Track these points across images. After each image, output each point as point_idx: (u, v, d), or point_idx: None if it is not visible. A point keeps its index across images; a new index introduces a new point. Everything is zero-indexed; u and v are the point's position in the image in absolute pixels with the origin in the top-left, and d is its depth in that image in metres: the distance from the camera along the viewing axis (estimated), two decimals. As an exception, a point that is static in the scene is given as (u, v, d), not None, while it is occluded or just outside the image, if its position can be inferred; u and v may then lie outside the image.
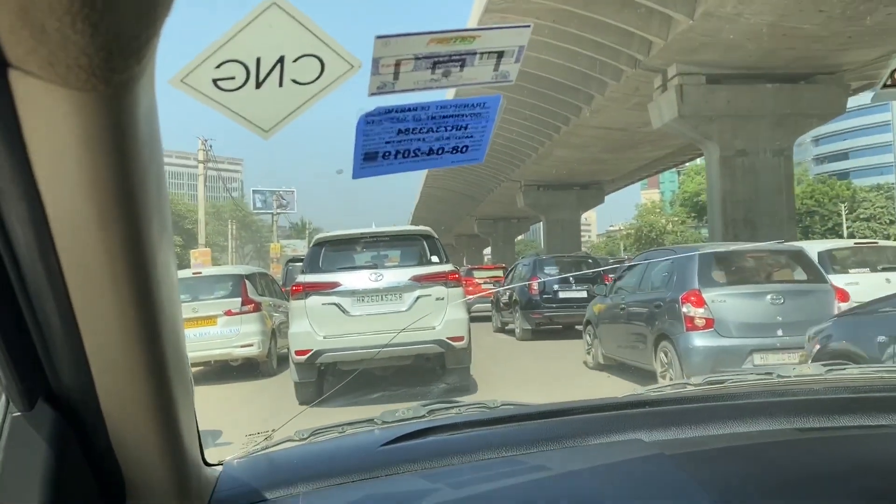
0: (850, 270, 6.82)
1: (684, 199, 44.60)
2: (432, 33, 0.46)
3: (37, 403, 0.47)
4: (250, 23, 0.42)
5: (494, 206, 33.28)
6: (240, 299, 7.11)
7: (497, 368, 6.80)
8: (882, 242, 8.80)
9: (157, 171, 0.38)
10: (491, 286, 13.21)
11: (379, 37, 0.45)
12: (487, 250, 45.91)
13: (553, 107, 17.21)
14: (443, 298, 5.02)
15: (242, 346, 6.97)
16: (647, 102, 14.25)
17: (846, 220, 37.22)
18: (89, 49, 0.27)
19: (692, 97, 13.00)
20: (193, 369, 5.14)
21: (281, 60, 0.43)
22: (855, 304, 4.55)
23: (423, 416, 0.88)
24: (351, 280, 5.05)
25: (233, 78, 0.43)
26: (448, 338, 4.96)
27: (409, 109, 0.52)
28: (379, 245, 5.55)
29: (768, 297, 4.78)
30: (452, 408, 0.93)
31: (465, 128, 0.55)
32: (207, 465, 0.70)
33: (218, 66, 0.43)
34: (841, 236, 32.01)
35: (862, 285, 6.11)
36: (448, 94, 0.65)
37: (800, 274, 5.13)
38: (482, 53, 0.49)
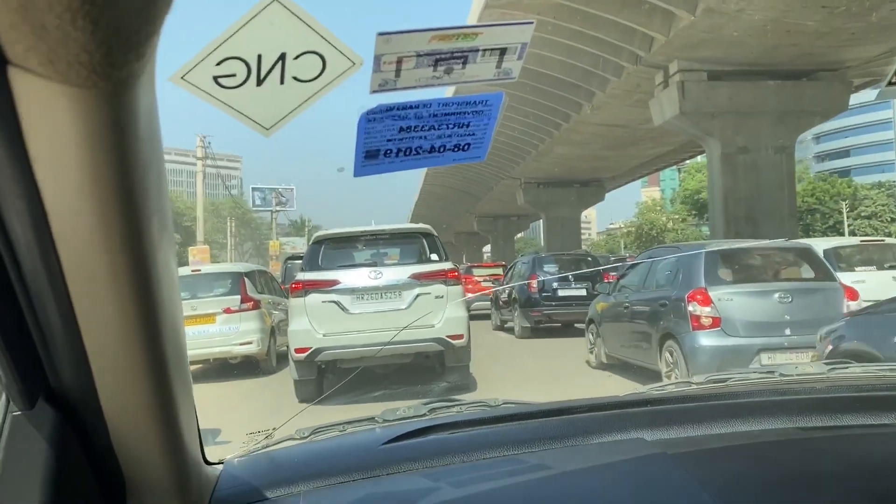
0: (856, 268, 6.77)
1: (685, 197, 44.60)
2: (434, 30, 0.46)
3: (37, 403, 0.47)
4: (251, 19, 0.42)
5: (494, 203, 33.28)
6: (239, 297, 7.11)
7: (497, 367, 6.81)
8: (888, 240, 8.72)
9: (157, 168, 0.38)
10: (490, 284, 13.22)
11: (381, 34, 0.44)
12: (487, 248, 45.92)
13: (554, 103, 17.19)
14: (442, 296, 5.02)
15: (241, 344, 6.98)
16: (648, 99, 14.23)
17: (847, 217, 37.19)
18: (90, 46, 0.27)
19: (694, 94, 12.97)
20: (192, 367, 5.15)
21: (282, 57, 0.43)
22: (865, 303, 4.50)
23: (424, 415, 0.88)
24: (350, 278, 5.05)
25: (234, 75, 0.43)
26: (448, 336, 4.97)
27: (411, 107, 0.52)
28: (378, 243, 5.55)
29: (776, 295, 4.70)
30: (453, 406, 0.93)
31: (467, 125, 0.55)
32: (208, 463, 0.70)
33: (219, 64, 0.43)
34: (842, 234, 32.00)
35: (869, 283, 6.09)
36: (447, 92, 0.65)
37: (808, 272, 5.06)
38: (484, 50, 0.48)
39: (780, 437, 0.75)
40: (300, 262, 7.01)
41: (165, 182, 0.41)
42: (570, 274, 9.51)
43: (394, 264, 5.36)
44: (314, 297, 4.99)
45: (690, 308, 4.72)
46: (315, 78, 0.45)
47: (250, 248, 51.30)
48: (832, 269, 5.28)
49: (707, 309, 4.68)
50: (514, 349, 8.86)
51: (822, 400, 0.84)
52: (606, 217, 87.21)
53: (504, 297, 10.53)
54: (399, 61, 0.46)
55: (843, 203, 37.68)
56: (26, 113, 0.31)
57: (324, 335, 4.94)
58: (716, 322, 4.65)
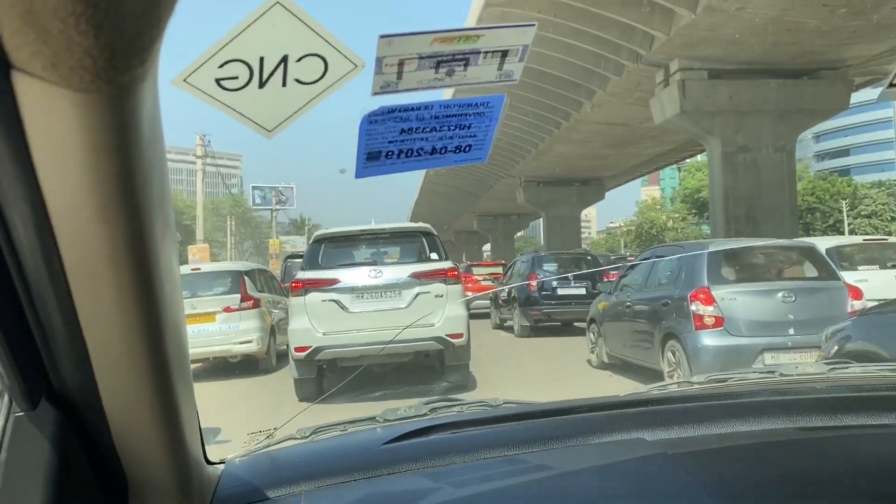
0: (859, 267, 6.72)
1: (685, 196, 44.58)
2: (436, 33, 0.46)
3: (39, 403, 0.47)
4: (254, 22, 0.42)
5: (494, 202, 33.26)
6: (239, 296, 7.11)
7: (497, 366, 6.80)
8: (891, 239, 8.66)
9: (159, 170, 0.38)
10: (490, 283, 13.22)
11: (382, 36, 0.44)
12: (487, 247, 45.91)
13: (554, 102, 17.17)
14: (442, 295, 5.02)
15: (241, 343, 6.97)
16: (648, 98, 14.21)
17: (847, 216, 37.19)
18: (93, 51, 0.27)
19: (694, 92, 12.96)
20: (192, 366, 5.11)
21: (284, 60, 0.43)
22: (870, 303, 4.46)
23: (425, 415, 0.89)
24: (350, 277, 5.05)
25: (236, 77, 0.43)
26: (447, 335, 4.97)
27: (413, 109, 0.52)
28: (378, 242, 5.55)
29: (780, 294, 4.65)
30: (454, 406, 0.93)
31: (469, 127, 0.55)
32: (210, 463, 0.71)
33: (221, 66, 0.43)
34: (842, 233, 31.99)
35: (871, 282, 6.03)
36: (445, 94, 0.65)
37: (811, 271, 5.01)
38: (486, 53, 0.48)
39: (781, 437, 0.75)
40: (300, 260, 7.02)
41: (168, 184, 0.42)
42: (570, 275, 9.51)
43: (394, 263, 5.36)
44: (314, 296, 4.99)
45: (693, 307, 4.67)
46: (317, 80, 0.45)
47: (250, 247, 51.29)
48: (836, 269, 5.23)
49: (710, 308, 4.63)
50: (513, 348, 8.86)
51: (822, 400, 0.84)
52: (606, 216, 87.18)
53: (503, 295, 10.53)
54: (401, 63, 0.47)
55: (843, 202, 37.67)
56: (30, 116, 0.32)
57: (324, 334, 4.94)
58: (719, 322, 4.60)
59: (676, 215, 43.37)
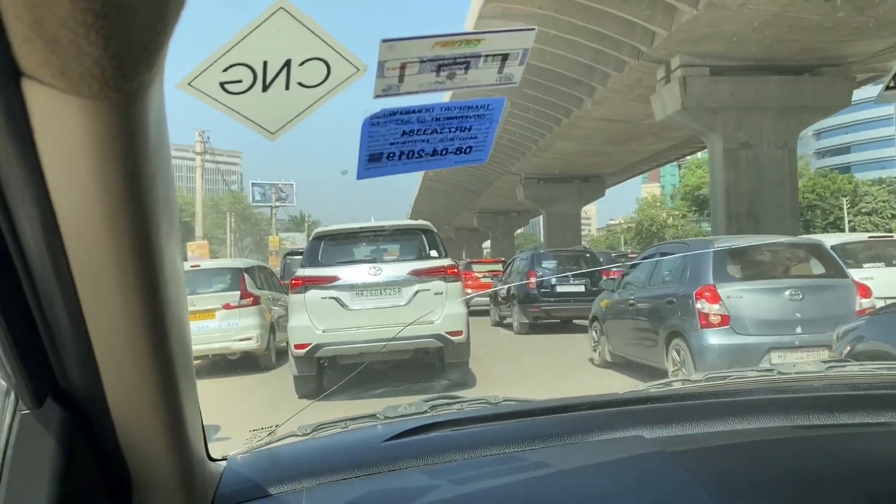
0: (864, 265, 6.66)
1: (685, 193, 44.54)
2: (437, 36, 0.46)
3: (45, 402, 0.47)
4: (257, 26, 0.43)
5: (494, 199, 33.23)
6: (238, 293, 7.11)
7: (497, 364, 6.81)
8: None
9: (165, 174, 0.39)
10: (490, 280, 13.23)
11: (384, 40, 0.45)
12: (487, 244, 45.89)
13: (554, 98, 17.13)
14: (442, 293, 5.03)
15: (241, 340, 6.97)
16: (649, 94, 14.17)
17: (848, 214, 37.16)
18: (102, 59, 0.27)
19: (695, 89, 12.92)
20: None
21: (287, 64, 0.44)
22: (878, 301, 4.38)
23: (426, 412, 0.89)
24: (350, 274, 5.06)
25: (240, 81, 0.44)
26: (447, 332, 4.97)
27: (414, 111, 0.52)
28: (378, 239, 5.55)
29: (787, 292, 4.53)
30: (454, 403, 0.94)
31: (469, 129, 0.56)
32: (212, 460, 0.71)
33: (225, 70, 0.43)
34: (842, 230, 31.96)
35: (877, 280, 5.95)
36: (444, 97, 0.66)
37: (819, 268, 4.91)
38: (487, 56, 0.49)
39: (779, 436, 0.75)
40: (300, 257, 7.02)
41: (173, 186, 0.42)
42: (569, 274, 9.51)
43: (393, 261, 5.36)
44: (314, 294, 5.00)
45: (698, 305, 4.57)
46: (320, 83, 0.45)
47: (250, 244, 51.25)
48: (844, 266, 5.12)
49: (716, 306, 4.53)
50: (513, 345, 8.87)
51: (820, 398, 0.85)
52: (607, 213, 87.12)
53: (503, 293, 10.53)
54: (402, 67, 0.47)
55: (844, 199, 37.64)
56: (39, 123, 0.32)
57: (323, 331, 4.95)
58: (725, 320, 4.50)
59: (676, 212, 43.36)
